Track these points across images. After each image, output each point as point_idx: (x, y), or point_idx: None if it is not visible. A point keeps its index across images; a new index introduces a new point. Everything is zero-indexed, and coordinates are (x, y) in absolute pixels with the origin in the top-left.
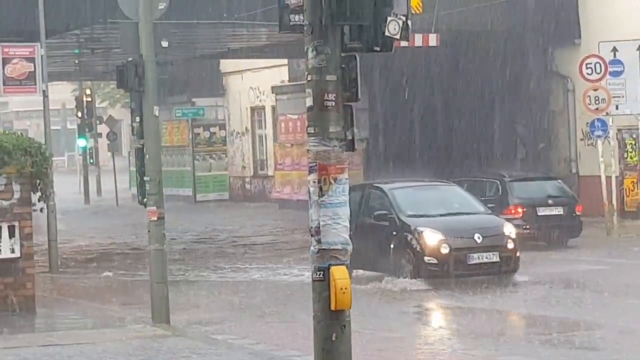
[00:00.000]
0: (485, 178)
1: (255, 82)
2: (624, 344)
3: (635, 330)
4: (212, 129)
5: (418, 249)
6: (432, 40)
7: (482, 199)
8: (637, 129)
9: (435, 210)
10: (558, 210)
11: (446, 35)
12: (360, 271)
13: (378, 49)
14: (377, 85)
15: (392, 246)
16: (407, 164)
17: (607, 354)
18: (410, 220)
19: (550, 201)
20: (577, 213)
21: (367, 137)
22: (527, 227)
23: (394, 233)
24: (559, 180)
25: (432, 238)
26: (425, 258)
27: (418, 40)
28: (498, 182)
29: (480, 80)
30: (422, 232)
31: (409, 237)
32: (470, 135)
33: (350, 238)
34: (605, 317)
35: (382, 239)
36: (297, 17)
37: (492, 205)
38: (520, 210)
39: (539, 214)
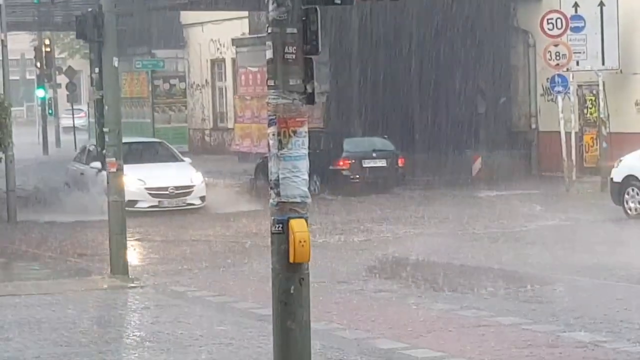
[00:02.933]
0: (324, 132)
1: (216, 35)
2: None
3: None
4: (172, 81)
5: None
6: None
7: (318, 151)
8: (597, 85)
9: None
10: (382, 163)
11: None
12: None
13: (339, 1)
14: (337, 38)
15: None
16: (367, 118)
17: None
18: None
19: (374, 154)
20: (399, 165)
21: (327, 90)
22: (355, 176)
23: None
24: (385, 136)
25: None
26: None
27: None
28: (332, 136)
29: (441, 34)
30: None
31: None
32: (432, 89)
33: None
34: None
35: None
36: None
37: (327, 157)
38: (348, 162)
39: (364, 165)
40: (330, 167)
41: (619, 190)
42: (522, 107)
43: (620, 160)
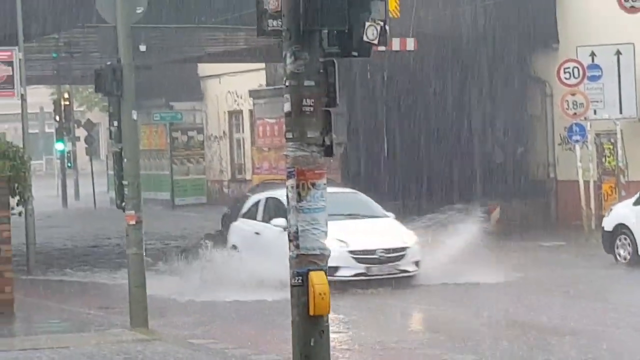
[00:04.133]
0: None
1: (233, 86)
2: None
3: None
4: (190, 133)
5: None
6: (410, 44)
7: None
8: (615, 133)
9: None
10: None
11: (424, 40)
12: None
13: (356, 53)
14: (355, 89)
15: None
16: (385, 169)
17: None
18: None
19: None
20: None
21: (345, 141)
22: None
23: None
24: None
25: None
26: None
27: (396, 44)
28: None
29: (458, 84)
30: None
31: None
32: (449, 139)
33: None
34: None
35: None
36: (275, 22)
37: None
38: None
39: None
40: None
41: (610, 239)
42: (540, 157)
43: (611, 209)
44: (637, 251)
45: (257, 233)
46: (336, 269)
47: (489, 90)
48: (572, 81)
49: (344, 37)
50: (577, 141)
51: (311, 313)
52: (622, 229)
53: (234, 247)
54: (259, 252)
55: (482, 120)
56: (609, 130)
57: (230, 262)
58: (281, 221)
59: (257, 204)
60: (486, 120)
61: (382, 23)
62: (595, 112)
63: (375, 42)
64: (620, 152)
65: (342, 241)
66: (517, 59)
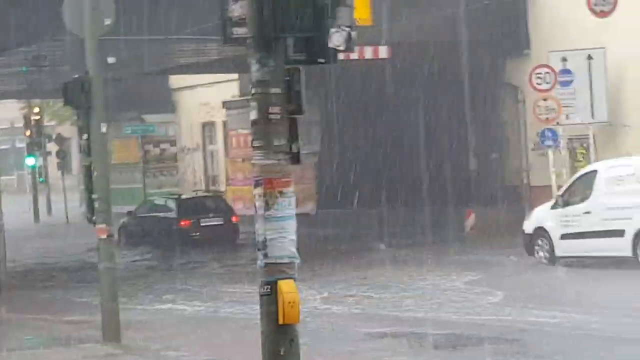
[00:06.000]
0: (167, 197)
1: (206, 98)
2: None
3: None
4: (162, 145)
5: None
6: (383, 52)
7: (162, 215)
8: (588, 138)
9: None
10: (218, 221)
11: (398, 48)
12: None
13: (323, 60)
14: (329, 98)
15: None
16: (360, 177)
17: None
18: None
19: (210, 214)
20: (234, 222)
21: (318, 150)
22: (195, 233)
23: None
24: (221, 196)
25: None
26: None
27: (368, 52)
28: (175, 199)
29: (432, 92)
30: None
31: None
32: (423, 146)
33: None
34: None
35: None
36: (240, 29)
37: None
38: (188, 221)
39: (202, 224)
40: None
41: (530, 241)
42: (514, 162)
43: (531, 213)
44: (553, 252)
45: None
46: None
47: (462, 97)
48: (544, 86)
49: (310, 43)
50: (549, 146)
51: (281, 322)
52: (541, 231)
53: None
54: None
55: (456, 127)
56: (582, 135)
57: None
58: None
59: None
60: (460, 127)
61: (348, 29)
62: (567, 117)
63: (342, 48)
64: (592, 156)
65: None
66: (490, 66)
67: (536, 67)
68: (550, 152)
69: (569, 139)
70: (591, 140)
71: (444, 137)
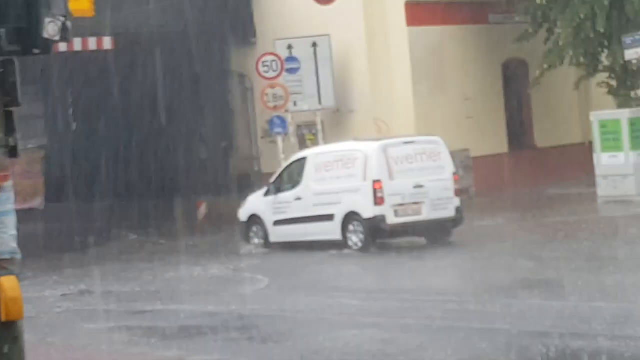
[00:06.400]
0: None
1: None
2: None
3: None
4: None
5: None
6: (107, 43)
7: None
8: (316, 124)
9: None
10: None
11: (123, 39)
12: None
13: (37, 51)
14: (53, 92)
15: None
16: (90, 170)
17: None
18: None
19: None
20: None
21: (45, 144)
22: None
23: None
24: None
25: None
26: None
27: (92, 44)
28: None
29: (161, 82)
30: None
31: None
32: (155, 137)
33: None
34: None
35: None
36: None
37: None
38: None
39: None
40: None
41: (246, 229)
42: (244, 150)
43: (245, 201)
44: (267, 238)
45: None
46: None
47: (190, 87)
48: (271, 74)
49: (24, 34)
50: (278, 133)
51: (3, 319)
52: (256, 219)
53: None
54: None
55: (185, 117)
56: (310, 122)
57: None
58: None
59: None
60: (189, 116)
61: (63, 19)
62: (295, 104)
63: (57, 38)
64: (321, 142)
65: None
66: (217, 55)
67: (262, 55)
68: (279, 139)
69: (297, 125)
70: (319, 127)
71: (174, 127)
